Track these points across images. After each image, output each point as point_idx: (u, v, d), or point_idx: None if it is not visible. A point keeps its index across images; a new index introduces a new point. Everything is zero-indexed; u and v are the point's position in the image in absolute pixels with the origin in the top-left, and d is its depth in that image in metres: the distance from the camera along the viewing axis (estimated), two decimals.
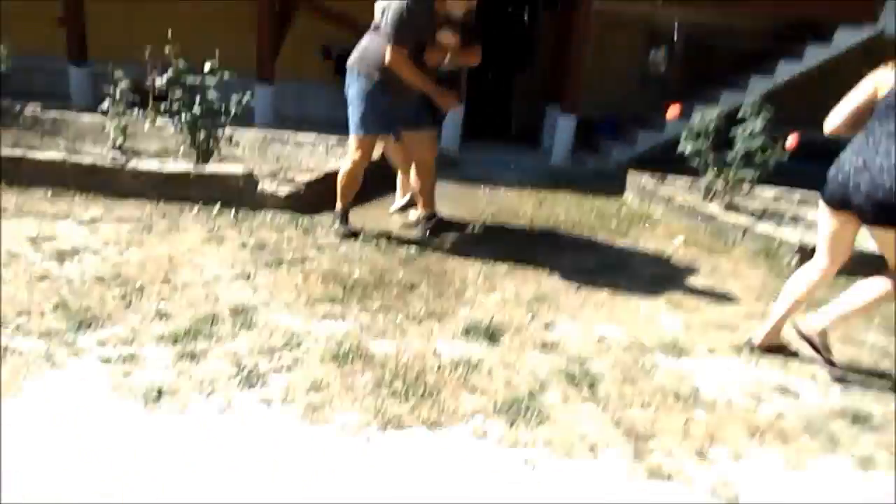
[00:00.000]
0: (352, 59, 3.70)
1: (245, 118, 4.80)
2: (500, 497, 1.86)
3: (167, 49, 4.24)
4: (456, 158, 6.91)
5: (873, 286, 2.68)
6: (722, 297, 3.52)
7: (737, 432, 2.28)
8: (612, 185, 5.95)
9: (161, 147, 4.81)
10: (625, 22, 7.77)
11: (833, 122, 2.71)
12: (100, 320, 2.56)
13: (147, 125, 4.76)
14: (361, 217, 4.14)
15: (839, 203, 2.63)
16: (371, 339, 2.66)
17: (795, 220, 5.01)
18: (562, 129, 7.14)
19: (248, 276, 3.13)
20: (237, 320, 2.67)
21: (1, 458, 1.77)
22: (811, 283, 2.80)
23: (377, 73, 3.58)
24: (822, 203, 2.74)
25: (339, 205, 3.87)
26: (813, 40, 7.01)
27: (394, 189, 4.43)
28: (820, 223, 2.79)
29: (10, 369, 2.19)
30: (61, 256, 3.13)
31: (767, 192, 5.51)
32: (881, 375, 2.82)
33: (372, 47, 3.61)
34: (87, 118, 5.63)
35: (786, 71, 7.06)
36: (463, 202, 4.96)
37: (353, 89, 3.68)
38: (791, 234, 4.31)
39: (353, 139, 3.74)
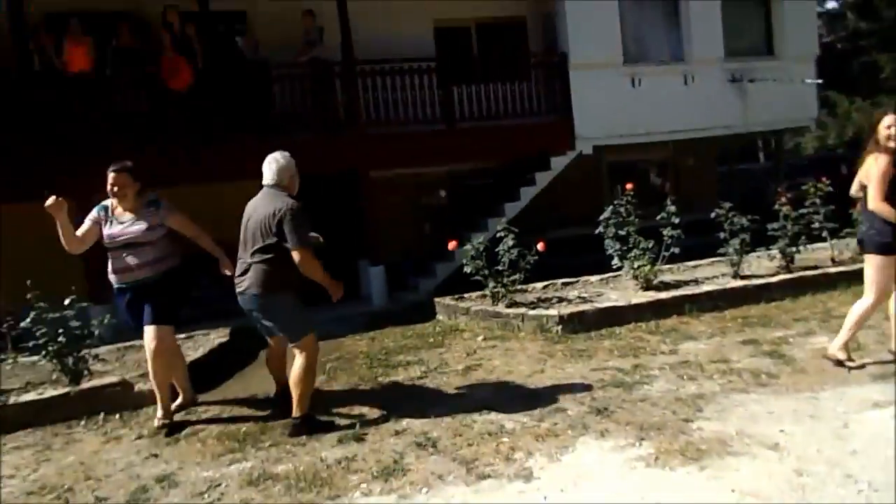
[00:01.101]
0: (255, 286, 3.93)
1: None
2: None
3: (28, 295, 4.92)
4: None
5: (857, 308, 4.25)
6: (514, 365, 4.91)
7: (528, 441, 3.52)
8: (426, 312, 7.36)
9: (26, 382, 5.27)
10: (399, 182, 9.64)
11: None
12: None
13: (9, 366, 5.24)
14: (235, 387, 4.99)
15: (861, 248, 4.32)
16: (271, 465, 3.56)
17: (561, 300, 6.73)
18: (374, 278, 8.56)
19: (157, 455, 3.86)
20: (164, 484, 3.43)
21: None
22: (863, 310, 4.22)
23: (289, 283, 3.97)
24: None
25: (306, 407, 4.03)
26: (537, 169, 9.38)
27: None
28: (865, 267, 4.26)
29: None
30: None
31: (538, 285, 7.25)
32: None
33: (269, 265, 3.93)
34: None
35: (527, 194, 9.30)
36: None
37: (277, 307, 4.01)
38: (553, 312, 5.93)
39: (303, 342, 4.04)
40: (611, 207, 6.95)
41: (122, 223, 4.31)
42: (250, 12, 9.38)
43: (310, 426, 3.98)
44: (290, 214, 3.90)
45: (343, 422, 4.12)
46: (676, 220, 6.68)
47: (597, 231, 7.01)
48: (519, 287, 6.76)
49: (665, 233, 6.69)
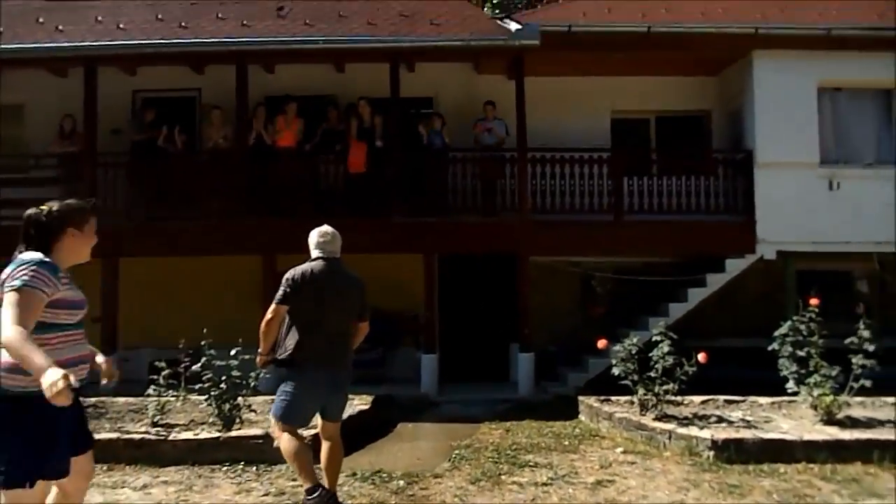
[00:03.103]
0: (348, 362, 4.03)
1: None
2: None
3: (203, 342, 5.51)
4: (435, 401, 8.01)
5: None
6: (651, 490, 4.44)
7: None
8: (570, 409, 7.03)
9: (190, 419, 5.84)
10: (561, 269, 9.48)
11: None
12: None
13: (179, 403, 5.86)
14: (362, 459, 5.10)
15: None
16: None
17: (721, 420, 6.04)
18: (523, 365, 8.39)
19: None
20: None
21: None
22: None
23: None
24: None
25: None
26: (709, 270, 8.71)
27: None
28: None
29: None
30: None
31: (696, 399, 6.58)
32: None
33: (351, 341, 4.09)
34: (121, 401, 6.73)
35: (696, 295, 8.65)
36: (441, 440, 5.97)
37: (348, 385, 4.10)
38: (706, 434, 5.32)
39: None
40: (789, 323, 6.19)
41: (74, 288, 2.76)
42: (436, 99, 10.08)
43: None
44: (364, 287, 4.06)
45: None
46: (871, 348, 5.75)
47: (770, 347, 6.26)
48: (672, 398, 6.20)
49: (854, 361, 5.78)
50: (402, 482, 4.63)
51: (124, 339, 8.75)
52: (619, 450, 5.44)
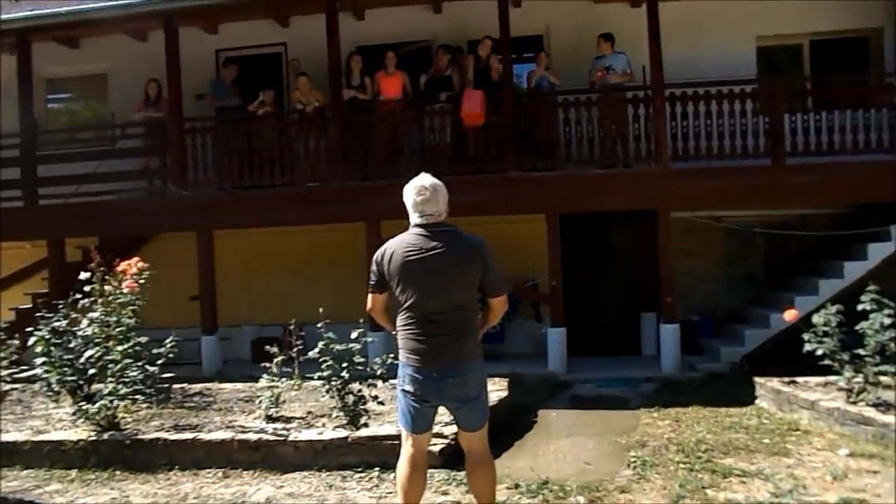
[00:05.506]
0: (465, 352, 2.99)
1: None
2: None
3: (319, 323, 4.70)
4: (566, 380, 7.01)
5: None
6: None
7: None
8: (734, 390, 5.92)
9: (307, 410, 5.08)
10: (701, 226, 8.15)
11: None
12: None
13: (294, 392, 5.11)
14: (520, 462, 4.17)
15: None
16: None
17: None
18: (667, 337, 7.20)
19: None
20: None
21: None
22: None
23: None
24: None
25: None
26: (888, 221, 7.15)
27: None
28: None
29: None
30: None
31: None
32: None
33: (474, 324, 3.08)
34: (228, 387, 6.11)
35: (878, 252, 7.14)
36: (600, 433, 4.96)
37: (482, 380, 3.11)
38: None
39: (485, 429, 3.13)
40: None
41: None
42: (546, 36, 8.84)
43: None
44: (488, 249, 3.09)
45: None
46: None
47: None
48: (887, 381, 4.94)
49: None
50: (581, 499, 3.66)
51: (224, 317, 8.15)
52: (843, 451, 4.25)
